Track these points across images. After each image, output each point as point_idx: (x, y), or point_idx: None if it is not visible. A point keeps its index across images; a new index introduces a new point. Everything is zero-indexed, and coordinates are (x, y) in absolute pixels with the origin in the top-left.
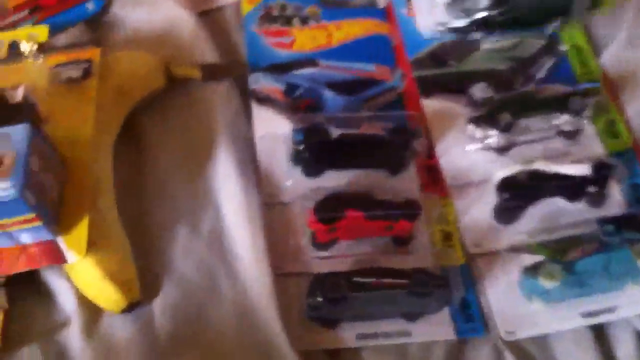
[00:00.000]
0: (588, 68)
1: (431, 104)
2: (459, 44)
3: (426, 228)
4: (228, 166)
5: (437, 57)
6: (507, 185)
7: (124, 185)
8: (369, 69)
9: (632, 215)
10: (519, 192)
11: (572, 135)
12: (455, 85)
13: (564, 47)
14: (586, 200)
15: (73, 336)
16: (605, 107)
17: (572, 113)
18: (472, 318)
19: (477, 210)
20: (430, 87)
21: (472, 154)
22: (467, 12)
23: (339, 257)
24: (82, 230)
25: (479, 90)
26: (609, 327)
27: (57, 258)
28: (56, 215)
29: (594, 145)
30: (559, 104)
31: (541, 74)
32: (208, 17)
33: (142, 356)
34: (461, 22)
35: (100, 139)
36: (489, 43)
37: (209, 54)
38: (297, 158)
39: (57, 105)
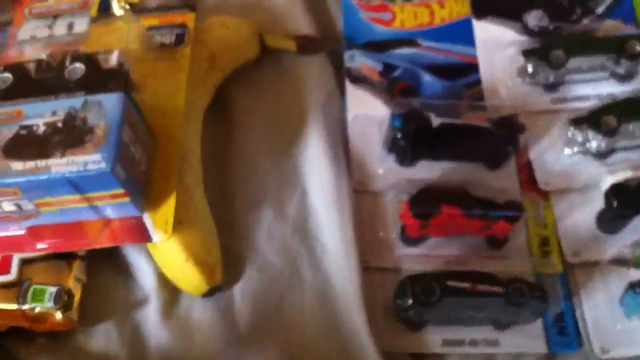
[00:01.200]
0: None
1: (484, 28)
2: None
3: (523, 231)
4: (319, 148)
5: None
6: (618, 192)
7: (211, 160)
8: (473, 53)
9: None
10: (630, 200)
11: None
12: (511, 10)
13: None
14: None
15: (150, 315)
16: None
17: None
18: (565, 332)
19: (578, 217)
20: (484, 8)
21: (568, 158)
22: None
23: (429, 257)
24: (169, 208)
25: (534, 18)
26: None
27: (142, 236)
28: (144, 190)
29: None
30: None
31: (601, 8)
32: None
33: (219, 341)
34: None
35: (190, 109)
36: None
37: (303, 25)
38: (393, 145)
39: (148, 72)
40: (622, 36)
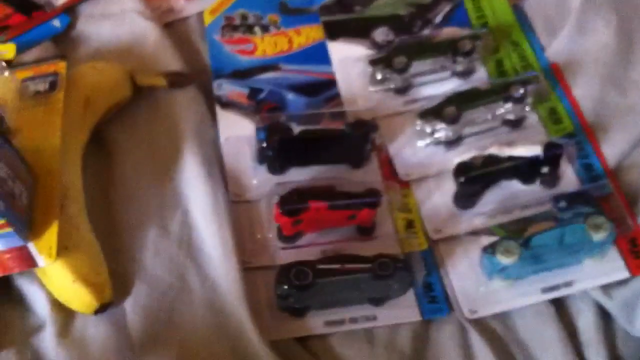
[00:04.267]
0: (482, 12)
1: (337, 48)
2: None
3: (389, 217)
4: (194, 168)
5: (344, 3)
6: (463, 170)
7: (95, 191)
8: (330, 70)
9: (584, 191)
10: (475, 176)
11: (517, 123)
12: (359, 30)
13: None
14: (541, 182)
15: (48, 339)
16: (545, 94)
17: (514, 102)
18: (436, 300)
19: (437, 198)
20: (336, 31)
21: (423, 149)
22: None
23: (305, 247)
24: (52, 235)
25: (381, 34)
26: (569, 300)
27: (29, 263)
28: (27, 222)
29: (538, 131)
30: (502, 93)
31: (438, 18)
32: (172, 28)
33: (116, 355)
34: None
35: (68, 148)
36: None
37: (173, 63)
38: (261, 156)
39: (25, 118)
40: (455, 37)
